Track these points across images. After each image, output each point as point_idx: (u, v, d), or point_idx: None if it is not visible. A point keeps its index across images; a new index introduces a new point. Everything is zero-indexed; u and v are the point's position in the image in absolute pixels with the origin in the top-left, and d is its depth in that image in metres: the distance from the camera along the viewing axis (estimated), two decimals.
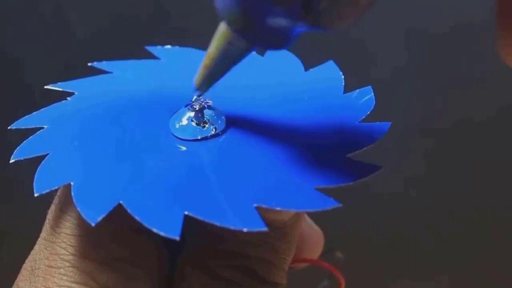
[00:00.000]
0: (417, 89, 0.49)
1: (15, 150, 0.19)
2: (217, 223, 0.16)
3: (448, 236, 0.51)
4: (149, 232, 0.16)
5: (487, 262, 0.51)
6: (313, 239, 0.24)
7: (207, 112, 0.21)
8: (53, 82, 0.23)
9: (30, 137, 0.20)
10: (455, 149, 0.50)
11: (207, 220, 0.16)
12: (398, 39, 0.48)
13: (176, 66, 0.24)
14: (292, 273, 0.22)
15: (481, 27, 0.44)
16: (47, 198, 0.20)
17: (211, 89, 0.21)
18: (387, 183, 0.50)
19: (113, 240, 0.19)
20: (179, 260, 0.20)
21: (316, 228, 0.24)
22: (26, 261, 0.20)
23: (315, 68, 0.24)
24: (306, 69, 0.24)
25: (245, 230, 0.16)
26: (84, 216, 0.17)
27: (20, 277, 0.20)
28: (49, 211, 0.20)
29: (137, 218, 0.16)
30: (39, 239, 0.20)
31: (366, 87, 0.22)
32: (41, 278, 0.18)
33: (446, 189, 0.51)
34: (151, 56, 0.25)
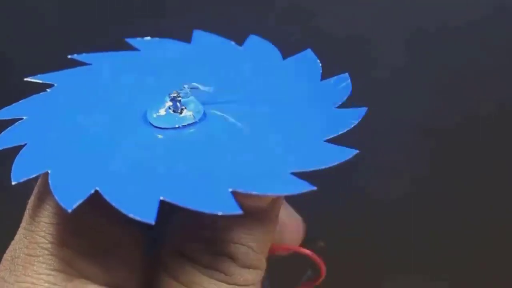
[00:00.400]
0: (418, 89, 0.49)
1: None
2: (192, 208, 0.16)
3: (449, 235, 0.51)
4: (128, 219, 0.16)
5: (488, 263, 0.51)
6: (293, 226, 0.24)
7: (184, 100, 0.21)
8: (31, 74, 0.23)
9: (8, 128, 0.20)
10: (457, 149, 0.50)
11: (182, 204, 0.16)
12: (399, 39, 0.48)
13: (155, 57, 0.24)
14: (275, 264, 0.23)
15: (482, 27, 0.45)
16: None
17: (189, 79, 0.21)
18: (387, 182, 0.50)
19: (92, 228, 0.19)
20: (159, 248, 0.20)
21: (296, 215, 0.24)
22: (7, 251, 0.20)
23: (293, 57, 0.24)
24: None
25: (219, 213, 0.16)
26: (61, 203, 0.17)
27: (0, 267, 0.20)
28: (29, 201, 0.20)
29: (113, 204, 0.17)
30: (19, 229, 0.20)
31: (343, 74, 0.22)
32: (21, 267, 0.19)
33: (447, 189, 0.51)
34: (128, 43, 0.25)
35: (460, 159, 0.50)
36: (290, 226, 0.24)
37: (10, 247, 0.20)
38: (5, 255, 0.20)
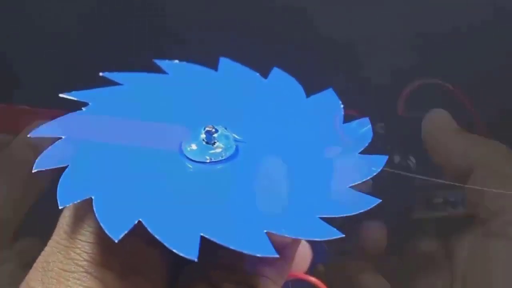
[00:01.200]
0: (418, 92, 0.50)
1: (37, 160, 0.20)
2: (232, 247, 0.18)
3: None
4: (161, 245, 0.18)
5: None
6: (302, 254, 0.26)
7: (219, 136, 0.22)
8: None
9: (49, 147, 0.21)
10: None
11: (222, 243, 0.18)
12: (399, 40, 0.49)
13: (186, 82, 0.25)
14: None
15: (482, 27, 0.45)
16: None
17: (221, 114, 0.22)
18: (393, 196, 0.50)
19: (128, 251, 0.20)
20: (183, 272, 0.21)
21: (305, 243, 0.26)
22: (37, 261, 0.21)
23: (315, 96, 0.25)
24: (305, 87, 0.25)
25: (258, 255, 0.18)
26: (107, 232, 0.18)
27: (31, 276, 0.20)
28: (62, 215, 0.21)
29: (157, 237, 0.18)
30: (50, 241, 0.21)
31: (364, 118, 0.24)
32: (55, 280, 0.19)
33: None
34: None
35: None
36: (301, 254, 0.25)
37: (41, 258, 0.21)
38: (35, 264, 0.21)
